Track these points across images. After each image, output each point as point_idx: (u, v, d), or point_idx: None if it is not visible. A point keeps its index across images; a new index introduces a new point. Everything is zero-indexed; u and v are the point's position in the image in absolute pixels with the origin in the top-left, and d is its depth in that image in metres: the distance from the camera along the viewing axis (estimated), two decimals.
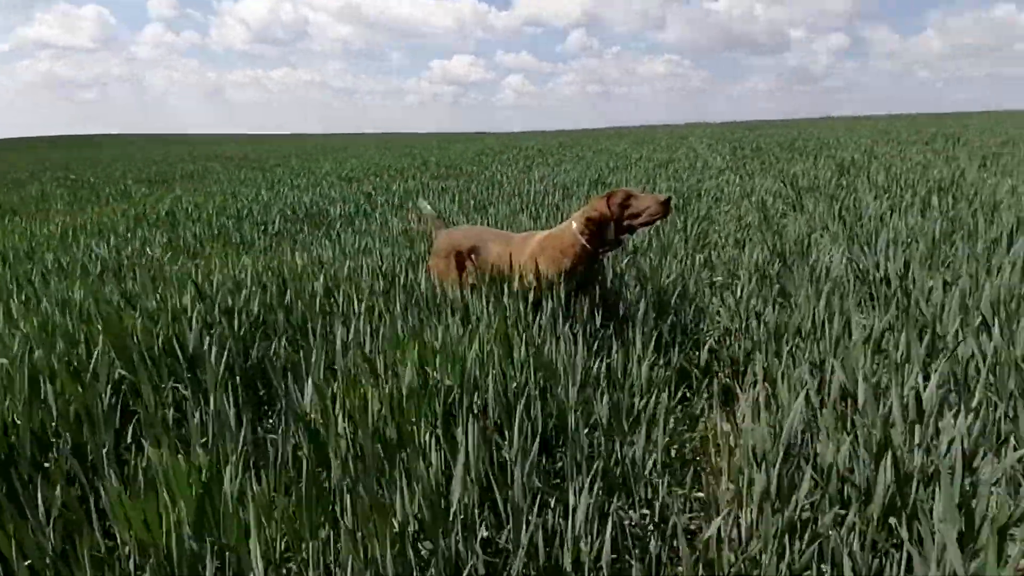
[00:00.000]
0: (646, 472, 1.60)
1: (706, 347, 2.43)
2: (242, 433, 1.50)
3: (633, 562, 1.34)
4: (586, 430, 1.68)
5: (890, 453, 1.32)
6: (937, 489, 1.24)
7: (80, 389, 1.64)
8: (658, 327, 2.39)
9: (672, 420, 1.85)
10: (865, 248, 3.28)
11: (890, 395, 1.57)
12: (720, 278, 3.55)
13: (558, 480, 1.65)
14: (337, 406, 1.60)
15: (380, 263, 3.32)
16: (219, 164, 15.03)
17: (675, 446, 1.80)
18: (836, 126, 28.10)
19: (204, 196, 7.66)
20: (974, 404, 1.49)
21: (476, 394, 1.73)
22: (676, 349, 2.38)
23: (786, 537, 1.29)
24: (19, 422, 1.48)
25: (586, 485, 1.30)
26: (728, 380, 2.33)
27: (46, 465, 1.43)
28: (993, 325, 1.91)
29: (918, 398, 1.52)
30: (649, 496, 1.56)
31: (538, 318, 2.31)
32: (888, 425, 1.42)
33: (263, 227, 5.29)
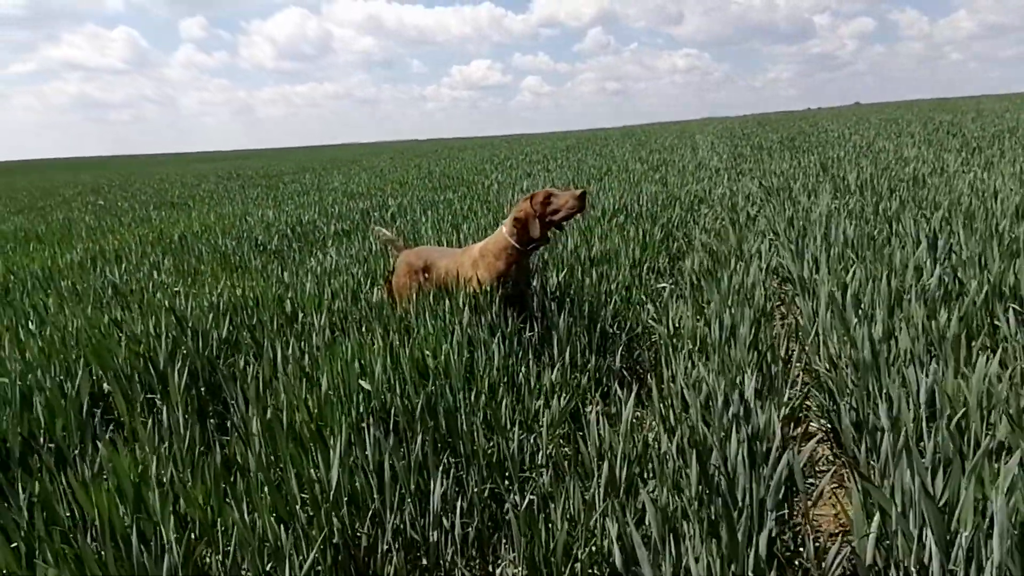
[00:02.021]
0: (536, 464, 1.91)
1: (618, 354, 2.72)
2: (187, 434, 1.87)
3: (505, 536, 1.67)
4: (484, 429, 2.00)
5: (695, 448, 1.61)
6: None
7: (64, 402, 2.03)
8: (578, 335, 2.69)
9: (566, 421, 2.15)
10: (795, 253, 3.52)
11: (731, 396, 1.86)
12: (665, 285, 3.83)
13: (461, 473, 1.97)
14: (269, 411, 1.96)
15: (352, 282, 3.68)
16: (238, 184, 15.68)
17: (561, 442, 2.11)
18: (850, 115, 27.76)
19: (216, 217, 8.16)
20: (786, 399, 1.77)
21: (386, 398, 2.07)
22: (594, 356, 2.69)
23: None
24: (13, 430, 1.87)
25: (438, 470, 1.63)
26: (652, 384, 2.62)
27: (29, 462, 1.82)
28: (851, 330, 2.17)
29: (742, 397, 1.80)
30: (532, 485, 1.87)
31: (467, 328, 2.64)
32: (699, 422, 1.72)
33: (261, 247, 5.71)
